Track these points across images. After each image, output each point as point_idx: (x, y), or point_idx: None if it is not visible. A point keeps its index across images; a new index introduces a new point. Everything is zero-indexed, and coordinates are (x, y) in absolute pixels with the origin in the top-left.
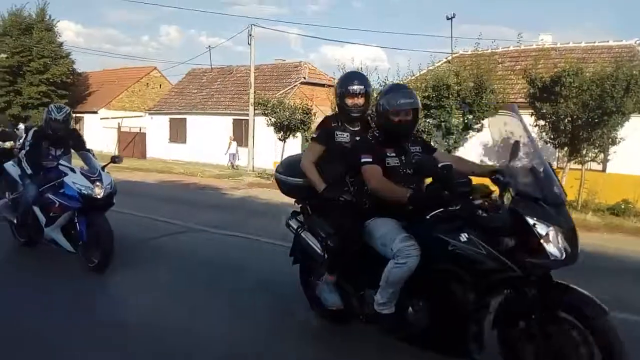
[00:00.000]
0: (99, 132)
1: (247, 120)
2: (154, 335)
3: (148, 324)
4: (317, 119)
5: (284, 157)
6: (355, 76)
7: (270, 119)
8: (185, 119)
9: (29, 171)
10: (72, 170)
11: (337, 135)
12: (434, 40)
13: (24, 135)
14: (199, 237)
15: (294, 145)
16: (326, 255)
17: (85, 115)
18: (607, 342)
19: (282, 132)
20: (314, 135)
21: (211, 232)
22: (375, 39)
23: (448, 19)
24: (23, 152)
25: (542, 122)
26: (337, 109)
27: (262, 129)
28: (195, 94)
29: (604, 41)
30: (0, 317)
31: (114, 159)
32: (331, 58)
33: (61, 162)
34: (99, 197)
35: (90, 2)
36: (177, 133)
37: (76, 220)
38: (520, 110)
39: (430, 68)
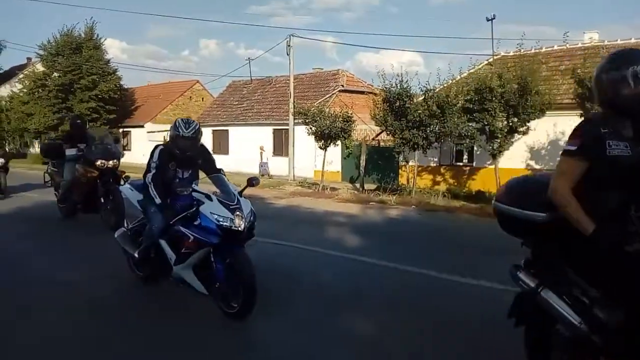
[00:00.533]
0: (145, 145)
1: (287, 129)
2: (203, 336)
3: (196, 325)
4: (358, 127)
5: (341, 166)
6: None
7: (310, 128)
8: (227, 130)
9: (157, 200)
10: (209, 197)
11: (609, 145)
12: (474, 42)
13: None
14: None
15: (335, 154)
16: (591, 330)
17: (132, 130)
18: None
19: (322, 141)
20: (571, 147)
21: (260, 242)
22: (411, 44)
23: (488, 20)
24: (150, 175)
25: None
26: (602, 106)
27: (301, 138)
28: (236, 105)
29: None
30: None
31: (252, 182)
32: (366, 65)
33: (195, 187)
34: (240, 229)
35: (132, 19)
36: (220, 144)
37: (212, 259)
38: (568, 112)
39: (472, 71)
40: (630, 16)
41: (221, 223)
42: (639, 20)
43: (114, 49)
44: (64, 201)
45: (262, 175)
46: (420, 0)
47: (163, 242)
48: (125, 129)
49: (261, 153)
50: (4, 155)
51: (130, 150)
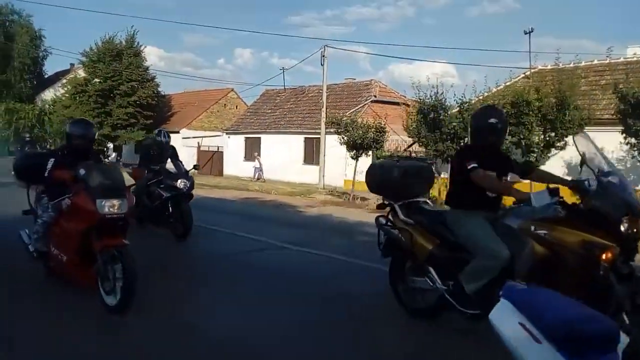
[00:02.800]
0: (180, 150)
1: (318, 138)
2: (245, 350)
3: (239, 337)
4: (390, 137)
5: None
6: None
7: (342, 138)
8: (259, 138)
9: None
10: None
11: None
12: (510, 55)
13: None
14: (281, 254)
15: (366, 164)
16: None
17: None
18: None
19: (354, 151)
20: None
21: (292, 249)
22: (446, 55)
23: (526, 33)
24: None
25: (633, 140)
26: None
27: (332, 147)
28: (269, 114)
29: None
30: None
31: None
32: (399, 76)
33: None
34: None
35: (170, 27)
36: (252, 151)
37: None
38: (609, 127)
39: (508, 84)
40: None
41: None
42: None
43: (152, 56)
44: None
45: (258, 179)
46: (456, 12)
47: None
48: None
49: (257, 159)
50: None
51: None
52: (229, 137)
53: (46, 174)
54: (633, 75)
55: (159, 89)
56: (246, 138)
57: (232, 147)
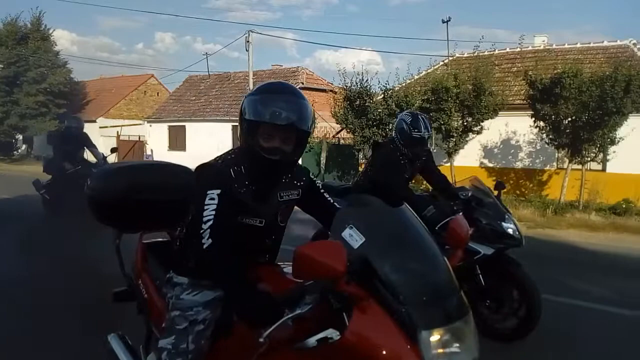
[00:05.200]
0: (97, 140)
1: None
2: None
3: None
4: (318, 124)
5: (301, 163)
6: None
7: None
8: (184, 126)
9: None
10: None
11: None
12: (431, 43)
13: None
14: None
15: None
16: None
17: (84, 124)
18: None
19: None
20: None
21: None
22: (370, 43)
23: (444, 22)
24: None
25: (542, 124)
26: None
27: None
28: (194, 101)
29: (599, 42)
30: None
31: (113, 150)
32: (325, 62)
33: None
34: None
35: (83, 10)
36: (177, 141)
37: None
38: (520, 112)
39: (429, 71)
40: (578, 23)
41: None
42: (586, 27)
43: (63, 40)
44: None
45: None
46: (379, 1)
47: None
48: None
49: (148, 149)
50: None
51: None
52: (150, 125)
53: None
54: (541, 63)
55: (72, 76)
56: (170, 126)
57: (155, 136)
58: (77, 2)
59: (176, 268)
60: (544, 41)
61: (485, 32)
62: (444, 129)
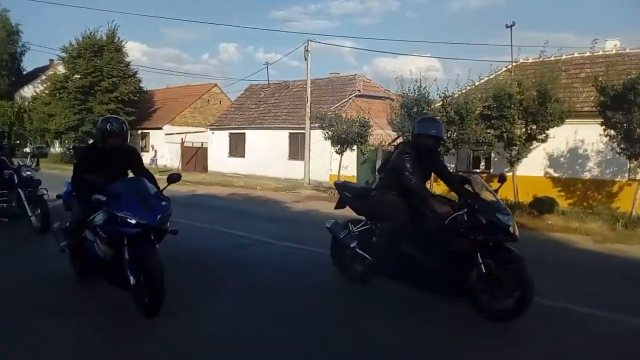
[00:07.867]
0: (163, 147)
1: (303, 133)
2: (233, 344)
3: (228, 332)
4: (374, 132)
5: (357, 171)
6: None
7: (327, 133)
8: (244, 133)
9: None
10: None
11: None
12: (493, 49)
13: None
14: (267, 249)
15: (351, 158)
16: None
17: (151, 131)
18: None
19: (339, 145)
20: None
21: (278, 245)
22: (429, 49)
23: (507, 27)
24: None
25: (612, 132)
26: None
27: (316, 142)
28: (254, 109)
29: None
30: None
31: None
32: (384, 70)
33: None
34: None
35: (153, 22)
36: (237, 147)
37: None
38: (588, 120)
39: (490, 77)
40: None
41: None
42: None
43: (134, 51)
44: None
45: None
46: (438, 7)
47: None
48: (144, 131)
49: (155, 151)
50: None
51: (148, 151)
52: (213, 132)
53: None
54: (612, 68)
55: (141, 85)
56: (230, 134)
57: (217, 143)
58: (149, 16)
59: None
60: (615, 45)
61: (551, 37)
62: (505, 136)
